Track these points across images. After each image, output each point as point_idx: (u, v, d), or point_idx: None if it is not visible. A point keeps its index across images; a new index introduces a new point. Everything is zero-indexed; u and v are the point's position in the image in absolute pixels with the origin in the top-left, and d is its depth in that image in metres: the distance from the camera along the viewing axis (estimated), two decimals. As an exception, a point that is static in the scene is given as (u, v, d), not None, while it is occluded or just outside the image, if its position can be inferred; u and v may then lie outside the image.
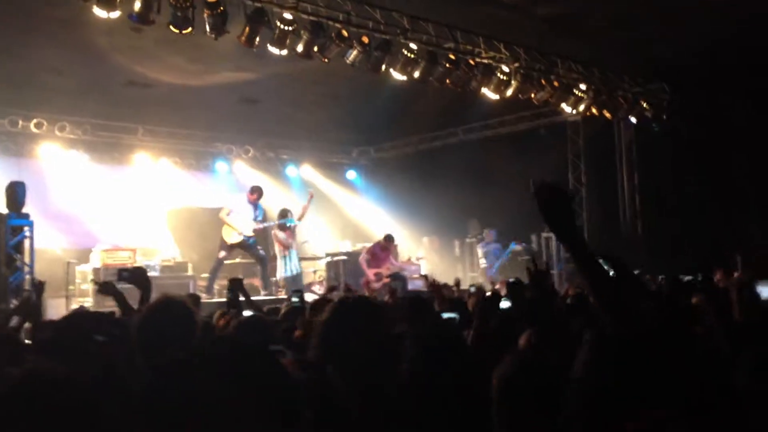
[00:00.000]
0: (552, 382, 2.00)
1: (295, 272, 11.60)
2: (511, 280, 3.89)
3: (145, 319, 2.93)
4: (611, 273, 2.26)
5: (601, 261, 2.09)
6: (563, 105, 11.81)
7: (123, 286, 4.47)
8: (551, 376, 2.04)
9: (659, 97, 12.81)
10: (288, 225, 11.73)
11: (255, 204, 11.58)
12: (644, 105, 12.55)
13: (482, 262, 13.98)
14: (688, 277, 4.73)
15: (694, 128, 12.21)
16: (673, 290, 4.55)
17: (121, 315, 3.87)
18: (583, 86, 11.62)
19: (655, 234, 12.95)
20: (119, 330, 2.74)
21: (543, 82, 11.13)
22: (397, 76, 9.81)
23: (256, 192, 11.69)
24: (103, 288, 4.58)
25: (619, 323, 1.91)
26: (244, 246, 11.49)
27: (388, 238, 12.46)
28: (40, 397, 1.38)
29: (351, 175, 18.02)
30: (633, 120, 12.80)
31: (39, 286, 5.37)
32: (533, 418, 2.12)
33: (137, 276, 4.41)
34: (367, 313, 2.40)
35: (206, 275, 11.65)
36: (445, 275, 10.45)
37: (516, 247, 13.98)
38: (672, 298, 4.00)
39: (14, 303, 7.93)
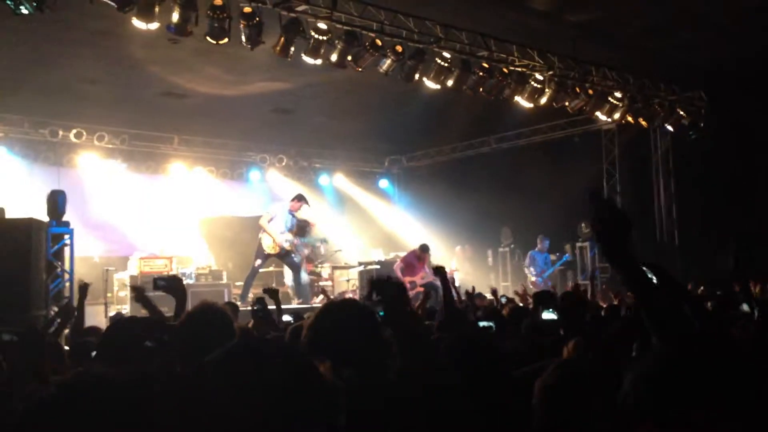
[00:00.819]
0: (596, 391, 1.98)
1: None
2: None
3: (184, 325, 2.97)
4: (654, 280, 2.21)
5: (644, 269, 2.05)
6: (598, 113, 11.70)
7: (156, 294, 4.51)
8: (595, 386, 2.02)
9: (696, 105, 12.61)
10: (309, 243, 11.92)
11: (293, 213, 11.60)
12: (681, 113, 12.37)
13: (531, 271, 13.80)
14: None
15: (732, 136, 11.99)
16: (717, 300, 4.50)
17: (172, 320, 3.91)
18: (618, 94, 11.50)
19: (692, 244, 12.74)
20: (168, 336, 2.78)
21: (577, 89, 11.04)
22: (431, 85, 9.82)
23: (302, 200, 11.71)
24: (136, 294, 4.65)
25: (669, 338, 1.88)
26: (280, 255, 11.54)
27: (424, 248, 12.42)
28: (91, 397, 1.40)
29: (383, 183, 18.08)
30: (669, 128, 12.62)
31: (83, 289, 5.39)
32: (574, 427, 2.10)
33: (173, 284, 4.41)
34: (353, 314, 2.42)
35: (240, 283, 11.74)
36: (478, 284, 10.39)
37: (569, 258, 13.85)
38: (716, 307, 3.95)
39: (54, 310, 8.06)
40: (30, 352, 3.34)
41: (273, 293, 5.74)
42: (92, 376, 1.45)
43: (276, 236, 11.29)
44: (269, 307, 5.49)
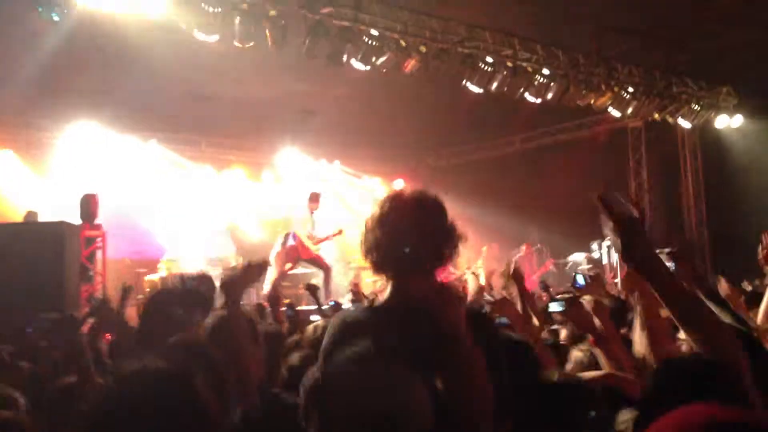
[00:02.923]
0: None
1: None
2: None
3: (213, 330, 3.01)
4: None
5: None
6: (624, 110, 11.62)
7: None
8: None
9: (725, 101, 12.47)
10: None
11: (312, 212, 11.68)
12: (709, 109, 12.25)
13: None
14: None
15: (762, 132, 11.84)
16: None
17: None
18: (644, 91, 11.42)
19: (722, 241, 12.59)
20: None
21: (603, 87, 10.99)
22: (473, 88, 9.80)
23: (316, 200, 11.78)
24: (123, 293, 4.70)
25: (707, 345, 1.89)
26: (311, 259, 11.61)
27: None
28: (151, 390, 1.44)
29: (407, 183, 18.10)
30: (694, 124, 12.50)
31: (127, 291, 5.42)
32: None
33: (203, 283, 4.39)
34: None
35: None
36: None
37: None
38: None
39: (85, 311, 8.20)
40: (67, 336, 3.41)
41: (313, 290, 5.79)
42: (150, 369, 1.48)
43: (306, 241, 11.38)
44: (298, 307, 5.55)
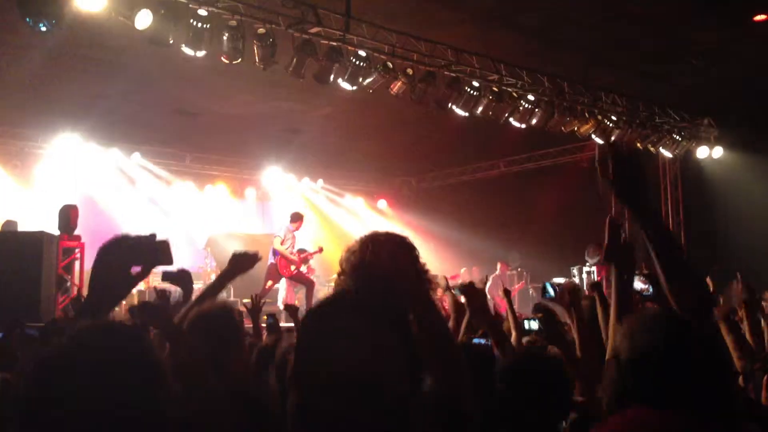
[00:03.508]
0: None
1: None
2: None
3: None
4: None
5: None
6: (607, 138, 11.75)
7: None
8: None
9: (706, 132, 12.66)
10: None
11: (293, 231, 11.71)
12: (690, 140, 12.42)
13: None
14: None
15: (741, 164, 12.02)
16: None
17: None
18: (627, 120, 11.56)
19: (700, 272, 12.68)
20: None
21: (587, 115, 11.12)
22: (442, 108, 9.89)
23: (298, 219, 11.80)
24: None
25: (683, 297, 1.92)
26: (295, 276, 11.63)
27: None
28: (101, 343, 1.42)
29: (390, 204, 18.16)
30: (675, 154, 12.66)
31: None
32: None
33: (181, 276, 4.33)
34: None
35: (247, 300, 11.73)
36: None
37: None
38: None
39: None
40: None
41: (293, 310, 5.76)
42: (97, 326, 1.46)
43: (290, 259, 11.38)
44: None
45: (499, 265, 14.61)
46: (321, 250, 12.12)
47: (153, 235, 2.06)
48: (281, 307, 11.43)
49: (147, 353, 1.46)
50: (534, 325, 3.34)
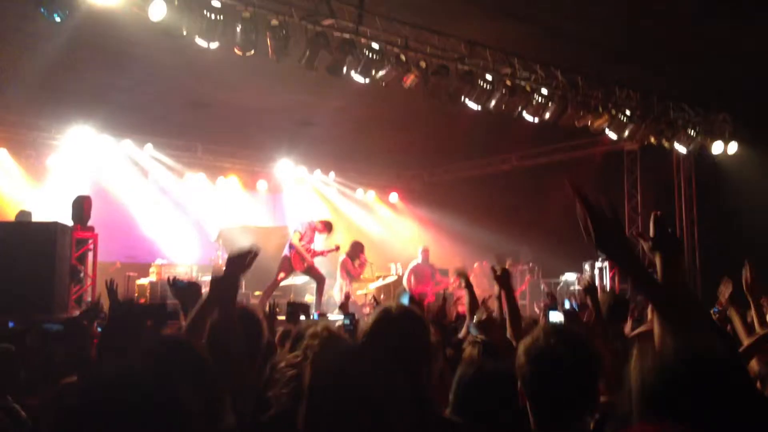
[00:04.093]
0: None
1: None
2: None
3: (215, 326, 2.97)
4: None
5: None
6: (621, 133, 11.68)
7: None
8: None
9: (721, 127, 12.54)
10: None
11: (316, 233, 11.75)
12: (705, 135, 12.32)
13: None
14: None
15: (757, 160, 11.91)
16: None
17: None
18: (641, 114, 11.48)
19: (713, 266, 12.61)
20: None
21: (600, 109, 11.05)
22: (454, 102, 9.85)
23: (327, 229, 11.78)
24: (108, 285, 4.64)
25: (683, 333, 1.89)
26: (305, 269, 11.66)
27: (354, 254, 12.23)
28: (129, 390, 1.42)
29: (401, 197, 18.15)
30: (690, 150, 12.55)
31: (112, 291, 4.91)
32: None
33: (190, 290, 4.25)
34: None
35: (259, 293, 11.80)
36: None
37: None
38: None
39: (76, 313, 8.16)
40: (75, 342, 3.40)
41: (304, 309, 5.80)
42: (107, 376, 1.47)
43: (303, 255, 11.40)
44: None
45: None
46: (338, 248, 12.12)
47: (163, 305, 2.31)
48: (337, 299, 11.53)
49: (175, 403, 1.47)
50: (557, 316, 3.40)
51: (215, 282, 2.97)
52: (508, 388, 2.26)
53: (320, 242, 12.06)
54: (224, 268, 3.01)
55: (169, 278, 4.60)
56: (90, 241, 9.37)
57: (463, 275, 5.19)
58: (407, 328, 2.39)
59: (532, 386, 2.11)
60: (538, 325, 2.34)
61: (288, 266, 11.43)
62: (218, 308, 2.84)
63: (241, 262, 2.99)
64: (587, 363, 2.13)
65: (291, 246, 11.42)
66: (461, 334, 4.75)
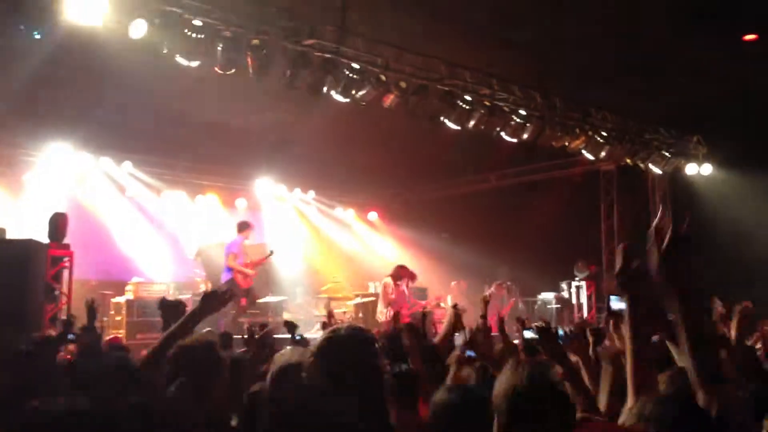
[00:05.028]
0: None
1: None
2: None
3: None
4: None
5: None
6: (597, 154, 11.83)
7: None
8: None
9: (695, 149, 12.77)
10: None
11: (243, 240, 11.66)
12: (679, 157, 12.52)
13: None
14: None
15: (730, 182, 12.12)
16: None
17: None
18: (617, 136, 11.65)
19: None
20: None
21: (577, 130, 11.19)
22: (434, 122, 9.92)
23: (247, 228, 11.68)
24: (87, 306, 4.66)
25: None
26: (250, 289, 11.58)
27: (397, 276, 11.76)
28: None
29: (381, 216, 18.18)
30: (664, 171, 12.76)
31: (91, 309, 5.07)
32: None
33: (174, 310, 4.32)
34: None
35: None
36: (473, 319, 10.35)
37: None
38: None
39: (51, 332, 8.03)
40: (43, 364, 3.36)
41: (291, 327, 5.76)
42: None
43: (243, 272, 11.36)
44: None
45: (494, 287, 14.46)
46: (272, 253, 12.09)
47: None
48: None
49: None
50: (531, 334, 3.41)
51: (189, 316, 3.16)
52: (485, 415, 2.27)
53: (253, 251, 12.02)
54: (199, 304, 3.21)
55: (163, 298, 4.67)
56: (66, 258, 9.25)
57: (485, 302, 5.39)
58: (355, 349, 2.39)
59: (507, 420, 2.14)
60: (513, 356, 2.42)
61: (239, 289, 11.20)
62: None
63: (217, 301, 3.22)
64: (558, 399, 2.17)
65: (229, 269, 11.28)
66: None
